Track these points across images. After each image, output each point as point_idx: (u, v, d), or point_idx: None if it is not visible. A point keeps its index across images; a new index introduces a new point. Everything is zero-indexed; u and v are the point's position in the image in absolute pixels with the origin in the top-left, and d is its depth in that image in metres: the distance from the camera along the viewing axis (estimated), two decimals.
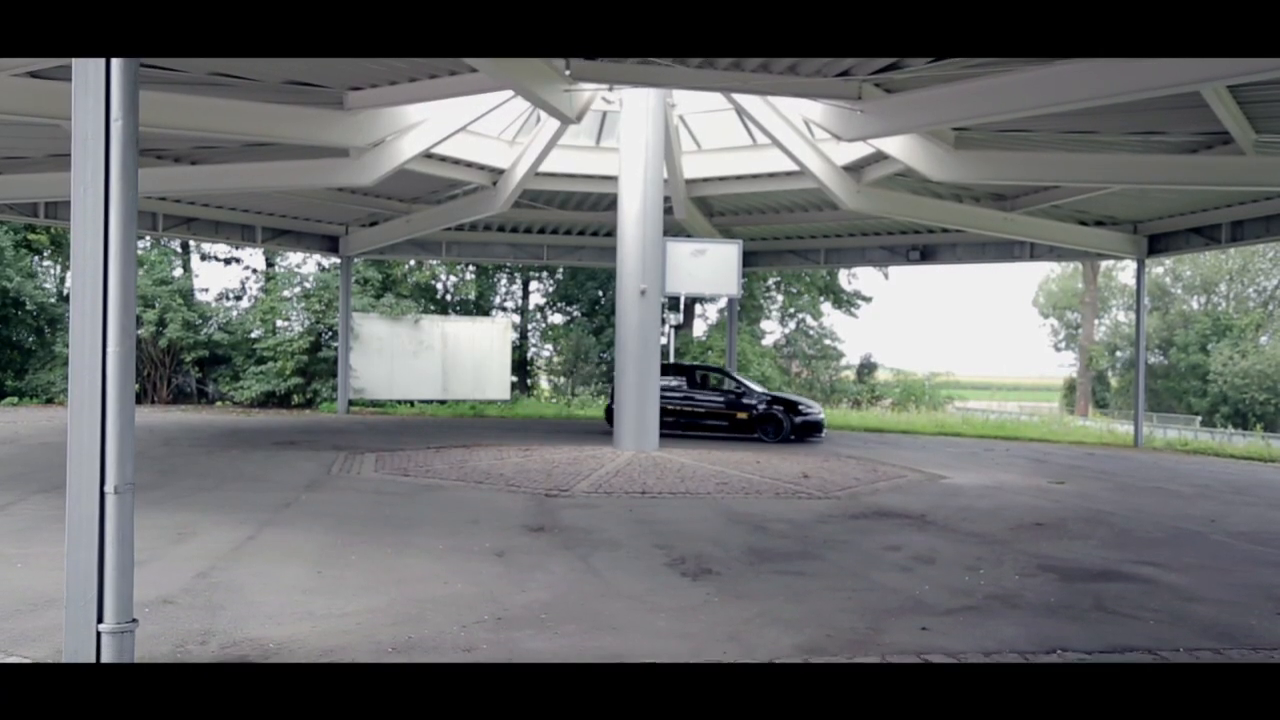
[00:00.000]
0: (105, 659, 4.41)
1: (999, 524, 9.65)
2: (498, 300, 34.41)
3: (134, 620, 4.50)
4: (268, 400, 24.90)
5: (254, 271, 29.90)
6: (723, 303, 33.36)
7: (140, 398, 23.75)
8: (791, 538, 8.61)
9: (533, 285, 35.32)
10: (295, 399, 24.93)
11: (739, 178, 18.49)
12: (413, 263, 29.82)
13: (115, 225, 4.44)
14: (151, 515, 8.50)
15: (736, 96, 14.47)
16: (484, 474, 12.23)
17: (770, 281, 36.05)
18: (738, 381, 19.57)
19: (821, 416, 19.19)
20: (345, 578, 6.65)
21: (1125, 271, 44.71)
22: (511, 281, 34.86)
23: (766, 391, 19.61)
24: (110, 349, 4.40)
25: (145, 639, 4.90)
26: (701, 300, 35.01)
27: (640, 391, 14.55)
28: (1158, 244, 19.80)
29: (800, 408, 18.87)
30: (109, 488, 4.39)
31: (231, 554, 7.31)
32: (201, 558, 7.13)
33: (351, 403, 24.02)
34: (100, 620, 4.40)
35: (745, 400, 18.84)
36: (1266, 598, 6.79)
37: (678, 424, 18.82)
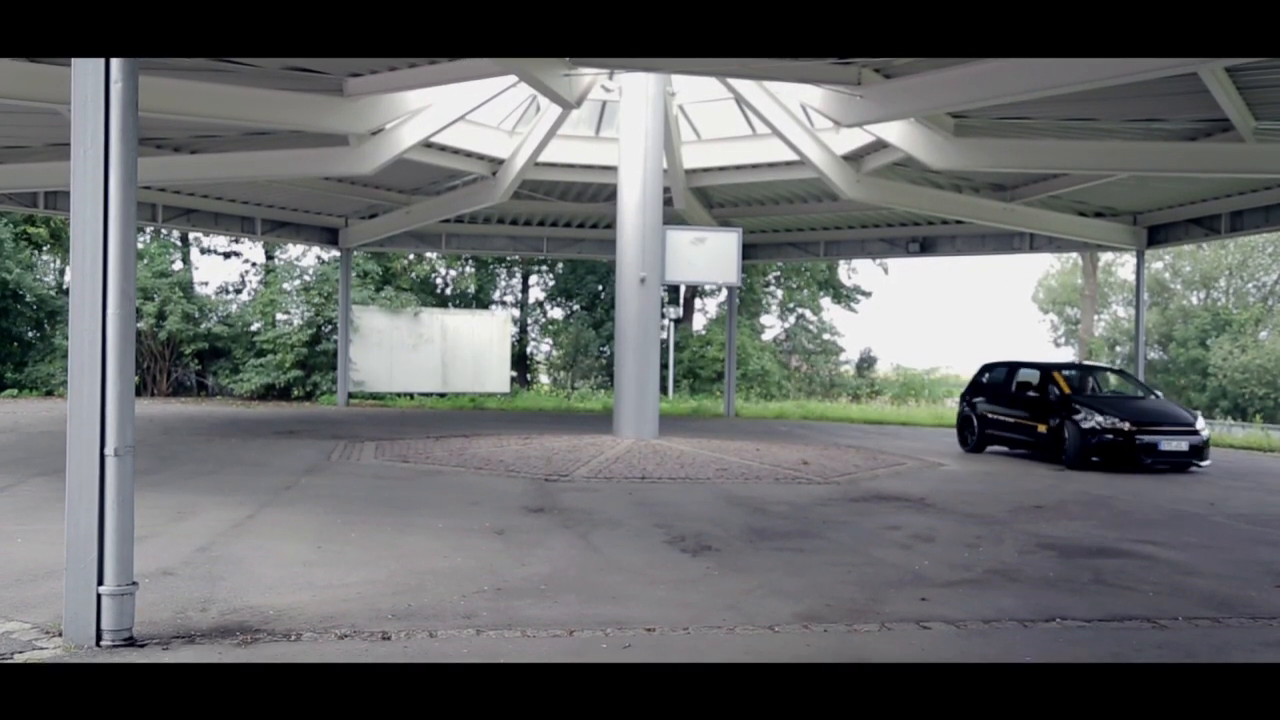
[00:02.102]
0: (105, 622, 4.42)
1: (998, 507, 9.65)
2: (497, 295, 34.43)
3: (134, 583, 4.51)
4: (267, 393, 24.90)
5: (253, 265, 29.93)
6: (722, 296, 33.36)
7: (139, 390, 23.73)
8: (791, 518, 8.61)
9: (532, 279, 35.32)
10: (295, 392, 24.93)
11: (738, 167, 18.48)
12: (411, 256, 29.82)
13: (115, 190, 4.45)
14: (151, 496, 8.49)
15: (736, 85, 14.47)
16: (483, 460, 12.23)
17: (770, 276, 36.05)
18: (1051, 380, 14.33)
19: (1158, 438, 13.03)
20: (345, 553, 6.65)
21: (1125, 267, 44.76)
22: (511, 276, 34.86)
23: (1091, 395, 14.57)
24: (110, 311, 4.41)
25: (145, 606, 4.90)
26: (701, 294, 35.03)
27: (640, 379, 14.55)
28: (1157, 235, 19.79)
29: (1111, 419, 13.10)
30: (109, 450, 4.41)
31: (231, 531, 7.31)
32: (201, 534, 7.13)
33: (351, 395, 24.03)
34: (100, 583, 4.41)
35: (1051, 406, 13.93)
36: (1265, 572, 6.80)
37: (987, 434, 15.31)
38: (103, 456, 4.40)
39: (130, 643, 4.44)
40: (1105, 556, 7.21)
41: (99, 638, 4.40)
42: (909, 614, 5.38)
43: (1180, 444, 13.08)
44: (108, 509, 4.41)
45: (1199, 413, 13.90)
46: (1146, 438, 13.00)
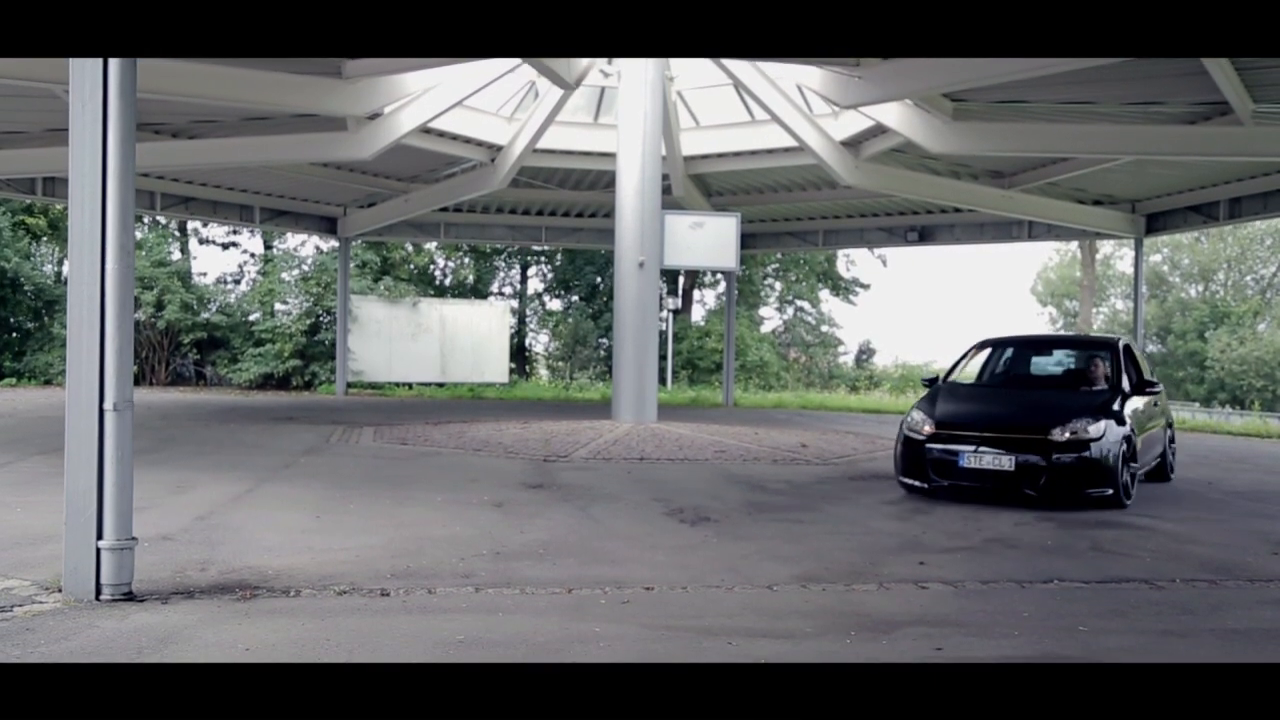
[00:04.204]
0: (104, 576, 4.43)
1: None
2: (495, 286, 34.40)
3: (133, 538, 4.51)
4: (266, 382, 24.88)
5: (252, 255, 29.90)
6: (720, 288, 33.35)
7: (138, 380, 23.68)
8: (789, 494, 8.62)
9: (530, 271, 35.30)
10: (294, 381, 24.91)
11: (737, 154, 18.46)
12: (410, 247, 29.75)
13: (114, 146, 4.45)
14: (150, 473, 8.47)
15: (735, 70, 14.46)
16: (482, 442, 12.23)
17: (769, 268, 36.05)
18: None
19: (959, 449, 8.30)
20: (344, 522, 6.66)
21: (1123, 260, 44.83)
22: (509, 267, 34.84)
23: (982, 382, 10.08)
24: (109, 266, 4.41)
25: (144, 567, 4.90)
26: (700, 285, 35.00)
27: (638, 364, 14.54)
28: (1155, 223, 19.78)
29: (921, 417, 8.72)
30: (108, 405, 4.41)
31: (230, 502, 7.32)
32: (200, 505, 7.13)
33: (350, 385, 23.99)
34: (100, 537, 4.41)
35: None
36: (1263, 541, 6.81)
37: None
38: (101, 411, 4.40)
39: (129, 597, 4.45)
40: (1103, 528, 7.22)
41: (98, 592, 4.41)
42: (907, 576, 5.40)
43: (999, 460, 8.05)
44: (107, 464, 4.41)
45: (1110, 416, 8.18)
46: (939, 446, 8.37)
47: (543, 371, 33.77)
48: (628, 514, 7.31)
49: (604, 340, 30.70)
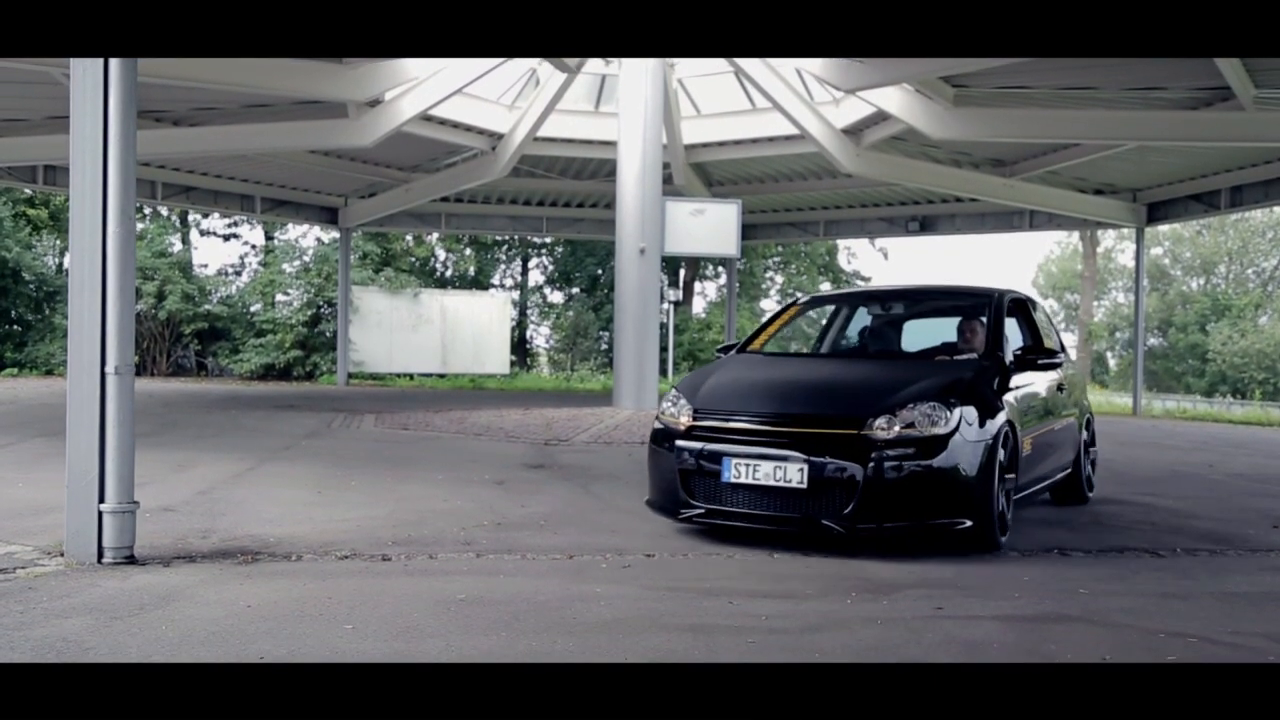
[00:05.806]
0: (107, 539, 4.44)
1: None
2: (496, 278, 34.41)
3: (135, 501, 4.52)
4: (267, 373, 24.89)
5: (253, 247, 29.91)
6: (721, 280, 33.35)
7: (139, 371, 23.64)
8: None
9: (531, 263, 35.31)
10: (295, 372, 24.93)
11: (738, 142, 18.45)
12: (410, 239, 29.77)
13: (115, 112, 4.45)
14: (152, 453, 8.45)
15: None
16: (484, 427, 12.24)
17: (770, 260, 36.04)
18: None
19: (728, 450, 5.23)
20: (345, 496, 6.67)
21: (1124, 253, 44.84)
22: (510, 260, 34.84)
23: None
24: (110, 229, 4.41)
25: (147, 535, 4.89)
26: (701, 277, 35.01)
27: (639, 350, 14.56)
28: (1157, 212, 19.75)
29: (677, 404, 5.68)
30: (109, 368, 4.42)
31: (232, 479, 7.33)
32: (202, 482, 7.15)
33: (351, 375, 24.01)
34: (101, 500, 4.42)
35: None
36: (1263, 517, 6.82)
37: None
38: (103, 375, 4.41)
39: (131, 560, 4.46)
40: (1103, 504, 7.23)
41: (100, 555, 4.42)
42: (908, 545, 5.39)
43: (784, 471, 5.04)
44: (108, 427, 4.42)
45: (972, 400, 5.19)
46: (695, 447, 5.36)
47: (544, 367, 33.78)
48: (629, 491, 7.30)
49: (605, 333, 30.70)
